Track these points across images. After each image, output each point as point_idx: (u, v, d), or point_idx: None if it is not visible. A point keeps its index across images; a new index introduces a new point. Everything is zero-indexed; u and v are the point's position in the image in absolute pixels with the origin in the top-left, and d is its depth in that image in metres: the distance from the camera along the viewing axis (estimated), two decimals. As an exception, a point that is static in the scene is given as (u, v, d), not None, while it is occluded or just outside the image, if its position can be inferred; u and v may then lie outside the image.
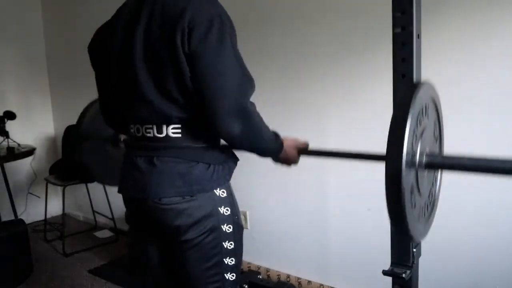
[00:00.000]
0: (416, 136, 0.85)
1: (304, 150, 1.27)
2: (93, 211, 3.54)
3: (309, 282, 2.32)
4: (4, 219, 3.21)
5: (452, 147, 1.79)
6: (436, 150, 1.08)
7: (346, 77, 2.04)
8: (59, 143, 3.69)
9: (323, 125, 2.16)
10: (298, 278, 2.35)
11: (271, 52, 2.30)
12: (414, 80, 1.01)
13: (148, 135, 1.09)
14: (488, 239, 1.74)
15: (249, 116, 1.02)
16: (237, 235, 1.15)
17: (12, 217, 3.26)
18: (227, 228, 1.11)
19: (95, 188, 3.31)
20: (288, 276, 2.39)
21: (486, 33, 1.65)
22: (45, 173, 3.50)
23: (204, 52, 0.95)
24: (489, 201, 1.72)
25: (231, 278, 1.15)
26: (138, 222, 1.25)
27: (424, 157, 0.90)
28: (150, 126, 1.08)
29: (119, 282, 2.56)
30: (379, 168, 1.77)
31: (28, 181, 3.71)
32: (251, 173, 2.37)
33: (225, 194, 1.12)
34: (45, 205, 3.37)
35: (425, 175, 0.94)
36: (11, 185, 3.30)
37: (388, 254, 1.18)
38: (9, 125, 3.11)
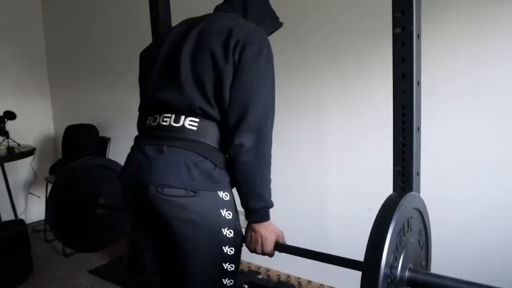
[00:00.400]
0: (399, 246, 0.83)
1: (280, 243, 1.15)
2: (93, 211, 3.54)
3: (309, 282, 2.31)
4: (4, 219, 3.21)
5: (451, 147, 1.80)
6: (423, 260, 1.04)
7: (345, 75, 2.04)
8: (59, 143, 3.69)
9: (322, 123, 2.16)
10: (298, 278, 2.35)
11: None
12: (414, 80, 1.01)
13: (164, 123, 1.11)
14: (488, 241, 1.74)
15: (265, 139, 1.09)
16: (238, 241, 1.13)
17: (12, 217, 3.26)
18: (228, 232, 1.10)
19: (95, 188, 3.30)
20: (288, 276, 2.39)
21: (486, 32, 1.65)
22: (45, 173, 3.50)
23: (252, 68, 1.06)
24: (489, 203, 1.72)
25: (229, 284, 1.13)
26: (134, 213, 1.22)
27: (407, 271, 0.86)
28: (169, 115, 1.11)
29: (119, 282, 2.56)
30: (379, 168, 1.78)
31: (28, 181, 3.71)
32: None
33: (228, 198, 1.11)
34: (45, 205, 3.37)
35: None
36: (11, 185, 3.30)
37: (388, 255, 1.17)
38: (9, 125, 3.11)
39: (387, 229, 0.80)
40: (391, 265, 0.81)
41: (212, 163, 1.08)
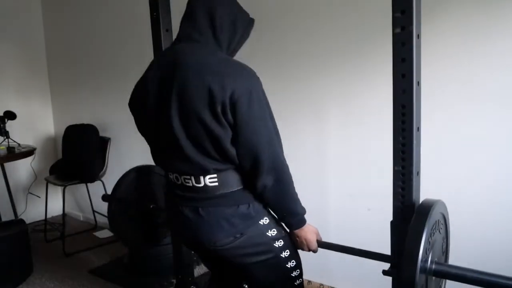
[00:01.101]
0: (429, 245, 1.01)
1: (320, 241, 1.34)
2: (93, 211, 3.54)
3: (309, 282, 2.31)
4: (4, 219, 3.21)
5: (451, 147, 1.80)
6: (443, 254, 1.23)
7: (346, 75, 2.04)
8: (59, 143, 3.69)
9: (322, 123, 2.16)
10: (298, 278, 2.35)
11: (270, 50, 2.30)
12: (414, 80, 1.01)
13: (187, 184, 1.19)
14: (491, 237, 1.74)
15: (282, 169, 1.16)
16: (288, 241, 1.27)
17: (12, 217, 3.26)
18: (278, 243, 1.24)
19: (95, 188, 3.31)
20: (288, 276, 2.39)
21: (487, 32, 1.65)
22: (45, 173, 3.50)
23: (250, 120, 1.09)
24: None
25: (298, 282, 1.37)
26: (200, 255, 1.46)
27: (434, 264, 1.05)
28: (188, 177, 1.18)
29: (119, 282, 2.57)
30: (379, 168, 1.78)
31: (28, 181, 3.72)
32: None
33: (268, 221, 1.23)
34: (45, 205, 3.37)
35: (433, 281, 1.09)
36: (11, 185, 3.30)
37: (388, 254, 1.18)
38: (10, 125, 3.11)
39: (422, 232, 0.97)
40: (424, 260, 0.99)
41: (245, 204, 1.18)
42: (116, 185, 2.15)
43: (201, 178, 1.16)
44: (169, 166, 1.23)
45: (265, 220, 1.22)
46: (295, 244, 1.30)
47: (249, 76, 1.13)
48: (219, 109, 1.05)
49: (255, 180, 1.14)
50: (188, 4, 1.24)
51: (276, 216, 1.25)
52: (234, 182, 1.18)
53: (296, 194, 1.23)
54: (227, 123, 1.08)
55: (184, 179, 1.19)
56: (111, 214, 2.20)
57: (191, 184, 1.18)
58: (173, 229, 1.41)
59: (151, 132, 1.23)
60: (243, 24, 1.27)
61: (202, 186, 1.17)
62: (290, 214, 1.23)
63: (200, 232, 1.19)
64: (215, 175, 1.16)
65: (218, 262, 1.35)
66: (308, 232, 1.27)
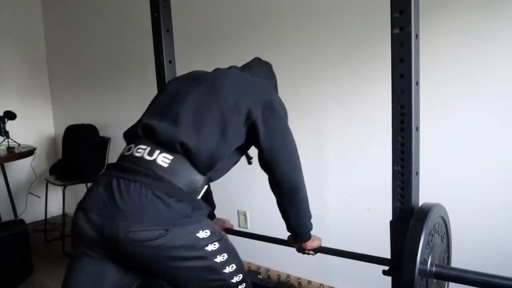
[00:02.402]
0: (428, 248, 1.01)
1: (322, 247, 1.36)
2: (93, 211, 3.54)
3: (309, 282, 2.32)
4: (4, 219, 3.22)
5: (450, 146, 1.80)
6: (445, 256, 1.23)
7: (345, 75, 2.04)
8: (59, 143, 3.69)
9: (321, 123, 2.16)
10: (298, 278, 2.35)
11: (270, 51, 2.30)
12: (413, 80, 1.01)
13: (137, 154, 1.07)
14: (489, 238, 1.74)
15: (298, 188, 1.21)
16: (224, 243, 1.11)
17: (12, 217, 3.27)
18: (212, 246, 1.06)
19: (95, 188, 3.31)
20: (288, 276, 2.39)
21: (486, 33, 1.65)
22: (45, 173, 3.50)
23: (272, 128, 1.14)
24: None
25: (238, 280, 1.13)
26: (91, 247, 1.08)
27: (434, 267, 1.06)
28: (144, 147, 1.08)
29: (119, 282, 2.56)
30: (379, 168, 1.78)
31: (28, 181, 3.72)
32: (251, 173, 2.37)
33: (201, 221, 1.07)
34: (45, 205, 3.37)
35: (434, 284, 1.10)
36: (11, 185, 3.30)
37: (387, 254, 1.18)
38: (10, 125, 3.11)
39: (420, 235, 0.98)
40: (423, 262, 1.00)
41: (180, 201, 1.04)
42: None
43: (156, 152, 1.05)
44: (140, 130, 1.11)
45: (197, 220, 1.06)
46: (296, 249, 1.32)
47: (270, 88, 1.26)
48: (245, 109, 1.11)
49: (274, 190, 1.19)
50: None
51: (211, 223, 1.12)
52: (181, 178, 1.05)
53: (309, 215, 1.24)
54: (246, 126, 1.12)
55: (138, 149, 1.08)
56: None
57: (140, 155, 1.06)
58: (81, 208, 1.06)
59: (169, 88, 1.23)
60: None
61: (151, 160, 1.05)
62: (301, 229, 1.24)
63: (117, 212, 0.99)
64: (170, 157, 1.05)
65: (120, 265, 1.08)
66: (313, 243, 1.29)
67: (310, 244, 1.28)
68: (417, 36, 1.01)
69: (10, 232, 2.52)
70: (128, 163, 1.07)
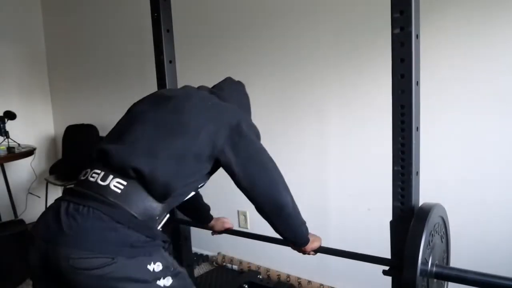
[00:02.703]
0: (428, 248, 1.02)
1: (323, 247, 1.35)
2: (93, 211, 3.54)
3: (309, 282, 2.32)
4: (4, 219, 3.21)
5: (451, 146, 1.80)
6: (444, 256, 1.24)
7: (346, 75, 2.04)
8: (59, 143, 3.69)
9: (323, 124, 2.16)
10: (298, 278, 2.35)
11: (270, 51, 2.30)
12: (413, 80, 1.01)
13: (91, 179, 1.01)
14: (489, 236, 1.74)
15: (283, 208, 1.13)
16: (180, 282, 1.03)
17: (12, 217, 3.26)
18: (165, 282, 0.98)
19: (95, 188, 3.31)
20: (288, 276, 2.39)
21: (486, 33, 1.65)
22: (45, 173, 3.50)
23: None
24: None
25: None
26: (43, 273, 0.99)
27: (434, 267, 1.07)
28: (99, 171, 1.02)
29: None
30: (379, 168, 1.78)
31: (28, 181, 3.71)
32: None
33: (152, 254, 0.99)
34: (45, 205, 3.37)
35: (434, 284, 1.11)
36: (11, 185, 3.30)
37: (387, 254, 1.18)
38: (10, 125, 3.11)
39: (421, 235, 0.99)
40: (424, 263, 1.01)
41: (132, 229, 0.97)
42: None
43: (110, 177, 0.99)
44: (95, 154, 1.06)
45: (149, 252, 0.98)
46: (298, 252, 1.30)
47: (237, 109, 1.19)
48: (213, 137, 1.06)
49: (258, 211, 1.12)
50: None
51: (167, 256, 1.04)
52: (135, 205, 0.99)
53: (300, 223, 1.19)
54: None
55: (93, 173, 1.02)
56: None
57: (94, 180, 1.00)
58: (30, 237, 1.00)
59: (133, 111, 1.16)
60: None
61: (104, 185, 0.99)
62: (296, 238, 1.21)
63: (61, 237, 0.92)
64: (124, 183, 0.99)
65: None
66: (313, 244, 1.28)
67: (310, 246, 1.28)
68: (417, 36, 1.01)
69: (10, 232, 2.52)
70: (81, 187, 1.02)
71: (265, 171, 1.09)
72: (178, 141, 1.03)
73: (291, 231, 1.19)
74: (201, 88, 1.27)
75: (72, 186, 1.06)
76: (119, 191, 0.99)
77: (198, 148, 1.04)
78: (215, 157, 1.07)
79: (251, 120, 1.18)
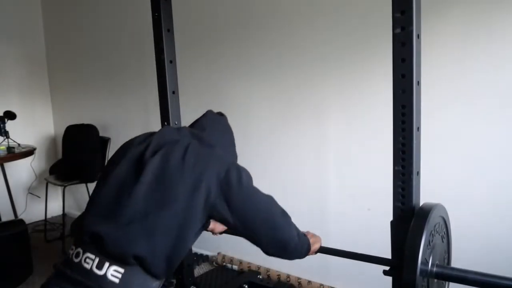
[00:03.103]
0: (429, 248, 1.01)
1: (322, 247, 1.35)
2: (93, 211, 3.54)
3: (309, 282, 2.32)
4: (4, 219, 3.21)
5: (451, 146, 1.80)
6: (445, 256, 1.24)
7: (346, 76, 2.04)
8: (59, 143, 3.69)
9: (322, 124, 2.16)
10: (298, 278, 2.35)
11: (271, 52, 2.30)
12: (414, 80, 1.01)
13: (85, 265, 0.96)
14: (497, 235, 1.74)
15: (287, 246, 1.13)
16: None
17: (12, 217, 3.26)
18: None
19: (95, 188, 3.31)
20: (288, 276, 2.39)
21: (486, 33, 1.65)
22: (45, 173, 3.50)
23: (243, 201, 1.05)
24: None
25: None
26: None
27: (435, 267, 1.06)
28: (93, 257, 0.97)
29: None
30: (379, 168, 1.78)
31: (28, 181, 3.71)
32: (251, 173, 2.37)
33: None
34: (45, 205, 3.37)
35: (434, 284, 1.11)
36: (11, 185, 3.30)
37: (388, 254, 1.18)
38: (10, 125, 3.11)
39: (421, 235, 0.98)
40: (424, 263, 1.01)
41: None
42: None
43: (106, 264, 0.95)
44: (87, 237, 1.00)
45: None
46: None
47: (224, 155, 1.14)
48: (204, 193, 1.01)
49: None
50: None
51: None
52: None
53: (305, 245, 1.19)
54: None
55: (86, 258, 0.97)
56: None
57: (89, 266, 0.96)
58: None
59: (114, 174, 1.07)
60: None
61: (101, 275, 0.95)
62: (303, 257, 1.22)
63: None
64: (122, 270, 0.95)
65: None
66: (314, 246, 1.27)
67: (312, 249, 1.27)
68: (418, 36, 1.01)
69: (10, 232, 2.52)
70: (76, 274, 0.97)
71: (262, 216, 1.07)
72: (171, 212, 0.98)
73: (300, 256, 1.19)
74: (181, 131, 1.16)
75: (65, 267, 1.00)
76: (117, 280, 0.95)
77: (192, 213, 1.00)
78: (209, 215, 1.03)
79: (237, 163, 1.11)
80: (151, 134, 1.14)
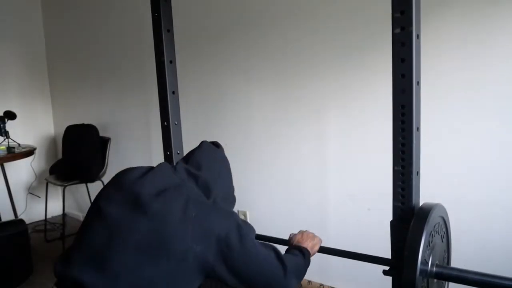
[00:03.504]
0: (428, 248, 1.02)
1: (322, 247, 1.36)
2: (93, 211, 3.54)
3: (309, 282, 2.32)
4: (4, 219, 3.21)
5: (451, 146, 1.80)
6: (445, 256, 1.24)
7: (346, 75, 2.04)
8: (59, 143, 3.69)
9: (322, 124, 2.17)
10: (298, 278, 2.35)
11: (270, 52, 2.30)
12: (414, 80, 1.01)
13: None
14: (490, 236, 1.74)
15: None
16: None
17: (12, 217, 3.26)
18: None
19: (95, 188, 3.31)
20: (288, 276, 2.39)
21: (487, 33, 1.65)
22: (45, 173, 3.50)
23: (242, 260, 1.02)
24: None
25: None
26: None
27: (435, 267, 1.06)
28: None
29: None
30: (379, 168, 1.78)
31: (28, 181, 3.72)
32: (251, 173, 2.37)
33: None
34: (45, 205, 3.37)
35: (434, 284, 1.11)
36: (11, 185, 3.30)
37: (388, 254, 1.18)
38: (10, 125, 3.11)
39: (421, 235, 0.99)
40: (424, 263, 1.01)
41: None
42: None
43: None
44: (69, 276, 0.95)
45: None
46: None
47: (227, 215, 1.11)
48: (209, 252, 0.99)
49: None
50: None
51: None
52: None
53: (304, 269, 1.21)
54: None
55: None
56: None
57: None
58: None
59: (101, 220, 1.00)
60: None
61: None
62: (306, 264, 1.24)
63: None
64: None
65: None
66: (313, 249, 1.29)
67: (311, 252, 1.29)
68: (418, 36, 1.01)
69: (10, 232, 2.52)
70: None
71: (262, 271, 1.05)
72: (163, 267, 0.93)
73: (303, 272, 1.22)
74: (178, 171, 1.10)
75: None
76: None
77: (186, 274, 0.96)
78: (205, 274, 0.99)
79: (237, 218, 1.07)
80: (148, 169, 1.08)
